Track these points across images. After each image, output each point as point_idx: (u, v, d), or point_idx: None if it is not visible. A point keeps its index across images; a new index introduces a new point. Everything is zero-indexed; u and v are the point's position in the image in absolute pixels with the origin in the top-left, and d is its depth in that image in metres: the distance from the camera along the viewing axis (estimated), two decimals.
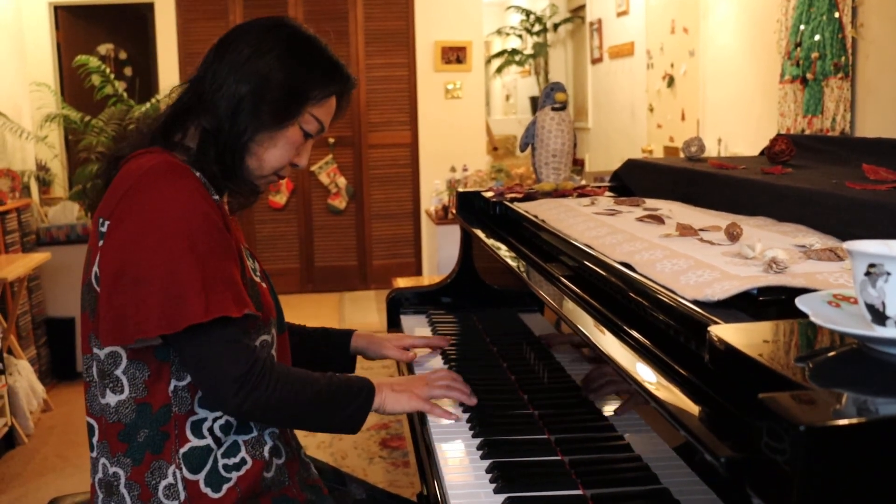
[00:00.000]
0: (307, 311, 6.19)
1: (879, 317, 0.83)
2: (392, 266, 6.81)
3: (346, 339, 1.92)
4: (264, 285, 1.56)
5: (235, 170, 1.51)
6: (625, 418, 1.38)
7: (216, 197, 1.46)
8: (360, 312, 6.18)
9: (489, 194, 2.37)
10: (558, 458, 1.45)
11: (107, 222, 1.41)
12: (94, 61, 5.82)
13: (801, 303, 0.91)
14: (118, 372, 1.42)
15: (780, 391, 0.73)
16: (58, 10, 6.91)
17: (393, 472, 3.52)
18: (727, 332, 0.92)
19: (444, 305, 2.50)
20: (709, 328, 0.93)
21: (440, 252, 5.40)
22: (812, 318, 0.86)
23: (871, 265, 0.83)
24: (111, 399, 1.43)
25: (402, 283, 4.70)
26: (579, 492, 1.33)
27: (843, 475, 0.66)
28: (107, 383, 1.43)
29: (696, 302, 1.09)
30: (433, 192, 6.00)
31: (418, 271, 6.80)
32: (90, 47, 7.18)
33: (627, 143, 7.10)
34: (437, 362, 1.97)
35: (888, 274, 0.81)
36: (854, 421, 0.66)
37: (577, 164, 8.15)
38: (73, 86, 6.79)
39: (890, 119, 3.79)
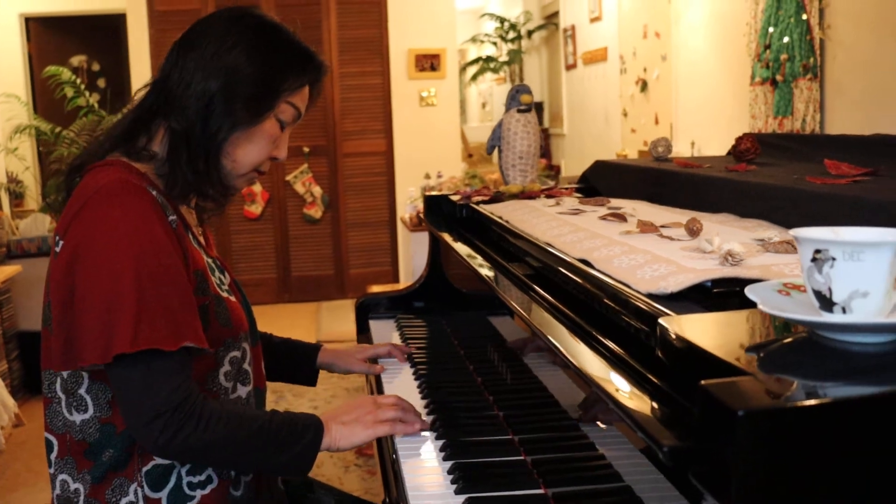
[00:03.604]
0: (284, 321, 6.15)
1: (826, 303, 0.82)
2: (369, 274, 6.78)
3: (312, 354, 1.88)
4: (233, 299, 1.48)
5: (210, 173, 1.43)
6: (589, 418, 1.37)
7: (172, 217, 1.38)
8: (338, 322, 6.15)
9: (456, 197, 2.36)
10: (521, 458, 1.44)
11: (61, 242, 1.36)
12: (66, 73, 5.80)
13: (750, 292, 0.90)
14: (81, 391, 1.37)
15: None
16: (29, 22, 6.87)
17: (369, 481, 3.49)
18: (677, 323, 0.91)
19: (414, 310, 2.48)
20: (659, 320, 0.93)
21: (415, 259, 5.39)
22: (760, 306, 0.85)
23: (817, 251, 0.82)
24: (76, 417, 1.38)
25: (377, 290, 4.68)
26: (541, 491, 1.31)
27: (782, 460, 0.65)
28: (71, 401, 1.38)
29: (650, 295, 1.08)
30: (408, 199, 5.99)
31: (395, 279, 6.78)
32: (63, 59, 7.14)
33: (602, 149, 7.12)
34: (406, 370, 1.95)
35: (833, 259, 0.81)
36: (792, 405, 0.65)
37: (553, 170, 8.16)
38: (44, 97, 6.75)
39: (858, 118, 3.82)
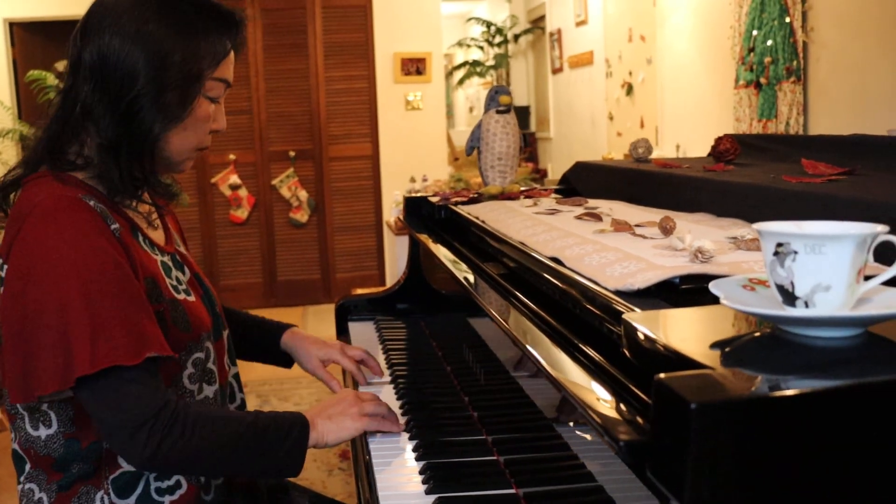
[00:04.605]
0: None
1: (789, 297, 0.82)
2: (355, 278, 6.77)
3: (278, 334, 1.80)
4: (191, 299, 1.43)
5: (147, 175, 1.36)
6: (563, 419, 1.36)
7: (115, 226, 1.30)
8: (324, 325, 6.13)
9: (435, 199, 2.35)
10: (493, 458, 1.43)
11: (5, 266, 1.29)
12: (50, 77, 5.76)
13: (714, 287, 0.89)
14: (44, 407, 1.33)
15: None
16: (13, 27, 6.83)
17: (352, 484, 3.47)
18: (640, 318, 0.90)
19: (395, 312, 2.47)
20: (623, 315, 0.92)
21: (401, 262, 5.37)
22: (723, 301, 0.84)
23: (779, 244, 0.81)
24: (41, 432, 1.34)
25: (360, 293, 4.66)
26: (512, 491, 1.30)
27: (738, 455, 0.64)
28: (37, 416, 1.34)
29: (617, 292, 1.07)
30: (394, 203, 5.98)
31: (382, 283, 6.76)
32: (48, 64, 7.08)
33: (588, 152, 7.12)
34: (383, 372, 1.93)
35: (795, 253, 0.80)
36: (748, 398, 0.64)
37: (540, 174, 8.16)
38: (29, 102, 6.71)
39: (841, 120, 3.82)
